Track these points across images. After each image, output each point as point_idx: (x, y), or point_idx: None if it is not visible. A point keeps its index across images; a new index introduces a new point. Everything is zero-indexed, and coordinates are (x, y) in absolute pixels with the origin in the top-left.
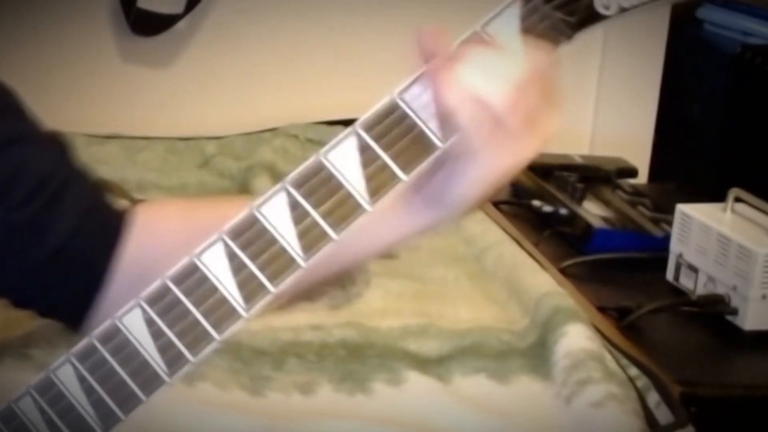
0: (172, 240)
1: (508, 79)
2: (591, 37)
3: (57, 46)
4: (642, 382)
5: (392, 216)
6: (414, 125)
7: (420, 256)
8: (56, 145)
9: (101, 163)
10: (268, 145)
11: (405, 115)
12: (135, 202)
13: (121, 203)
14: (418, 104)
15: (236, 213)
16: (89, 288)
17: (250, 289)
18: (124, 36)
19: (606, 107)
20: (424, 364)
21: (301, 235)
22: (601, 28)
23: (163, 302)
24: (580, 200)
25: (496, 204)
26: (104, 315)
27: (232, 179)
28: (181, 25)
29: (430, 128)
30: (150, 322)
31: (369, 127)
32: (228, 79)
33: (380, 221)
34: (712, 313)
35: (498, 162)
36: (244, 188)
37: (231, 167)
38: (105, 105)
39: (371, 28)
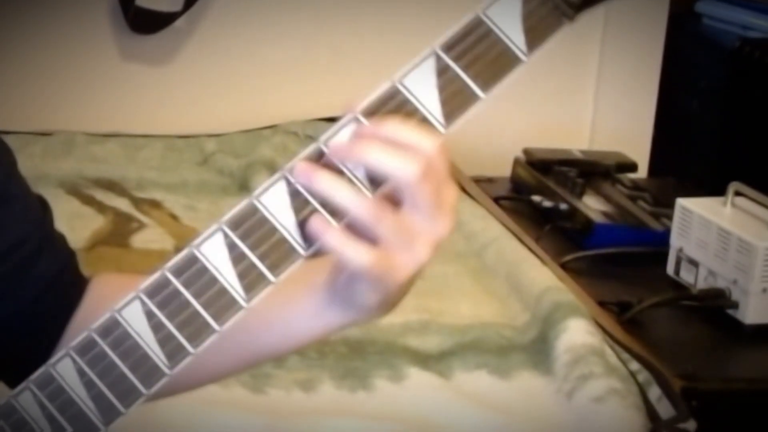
0: None
1: (417, 154)
2: (590, 31)
3: (56, 44)
4: (643, 376)
5: (306, 314)
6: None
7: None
8: (38, 208)
9: (101, 161)
10: (267, 143)
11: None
12: (85, 279)
13: (85, 273)
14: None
15: None
16: (35, 354)
17: (250, 279)
18: (123, 34)
19: (605, 102)
20: (425, 360)
21: (301, 224)
22: (600, 23)
23: (162, 294)
24: (580, 195)
25: (496, 200)
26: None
27: (232, 177)
28: (179, 22)
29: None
30: (150, 315)
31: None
32: (227, 77)
33: (293, 318)
34: (713, 307)
35: (407, 258)
36: (244, 185)
37: (231, 165)
38: (104, 103)
39: (371, 25)
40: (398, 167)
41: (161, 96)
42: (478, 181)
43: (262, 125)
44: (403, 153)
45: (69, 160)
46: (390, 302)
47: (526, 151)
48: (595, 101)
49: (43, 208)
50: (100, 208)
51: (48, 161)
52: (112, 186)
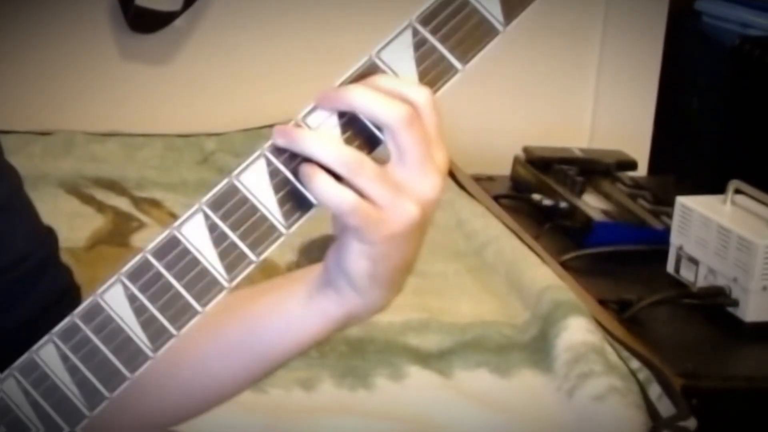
0: None
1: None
2: (590, 30)
3: (56, 44)
4: (643, 374)
5: (299, 301)
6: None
7: (420, 251)
8: (45, 230)
9: (101, 161)
10: (267, 141)
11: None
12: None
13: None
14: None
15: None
16: None
17: (231, 259)
18: (123, 33)
19: (605, 100)
20: (425, 358)
21: (282, 203)
22: (600, 21)
23: (144, 277)
24: (579, 193)
25: (496, 198)
26: None
27: None
28: (179, 21)
29: None
30: (132, 298)
31: None
32: (227, 76)
33: (288, 309)
34: (713, 305)
35: (399, 214)
36: None
37: (230, 164)
38: (104, 102)
39: (371, 25)
40: (383, 110)
41: (161, 95)
42: (477, 179)
43: (261, 124)
44: (390, 98)
45: (69, 160)
46: (382, 282)
47: (526, 150)
48: (595, 99)
49: (50, 234)
50: (100, 207)
51: (48, 161)
52: (111, 185)
